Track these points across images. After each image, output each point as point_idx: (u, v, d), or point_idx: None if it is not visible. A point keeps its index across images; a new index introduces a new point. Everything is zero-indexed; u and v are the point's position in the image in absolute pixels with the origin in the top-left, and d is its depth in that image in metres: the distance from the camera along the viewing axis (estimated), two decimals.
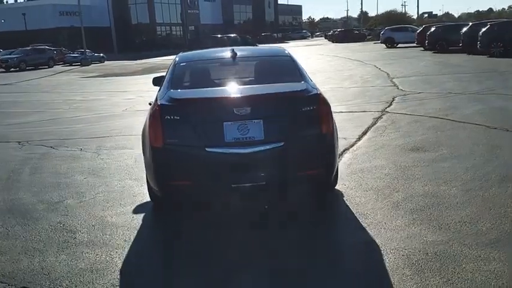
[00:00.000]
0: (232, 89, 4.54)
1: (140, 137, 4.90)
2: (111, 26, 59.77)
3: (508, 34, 21.13)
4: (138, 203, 5.16)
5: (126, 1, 64.59)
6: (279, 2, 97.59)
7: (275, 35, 77.47)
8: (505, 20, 29.80)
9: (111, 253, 3.98)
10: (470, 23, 26.92)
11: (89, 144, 8.34)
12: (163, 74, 7.05)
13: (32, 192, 5.77)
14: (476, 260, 3.44)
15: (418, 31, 33.15)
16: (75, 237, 4.35)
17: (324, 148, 4.30)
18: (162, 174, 4.28)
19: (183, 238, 4.28)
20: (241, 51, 5.19)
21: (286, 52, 5.49)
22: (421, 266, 3.41)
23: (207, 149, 4.09)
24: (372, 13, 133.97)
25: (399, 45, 36.97)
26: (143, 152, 4.82)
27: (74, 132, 9.67)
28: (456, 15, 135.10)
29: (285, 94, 4.39)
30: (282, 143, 4.11)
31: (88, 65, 37.98)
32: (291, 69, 4.96)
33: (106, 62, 40.89)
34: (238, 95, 4.32)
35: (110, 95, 16.97)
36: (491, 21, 24.97)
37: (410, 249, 3.68)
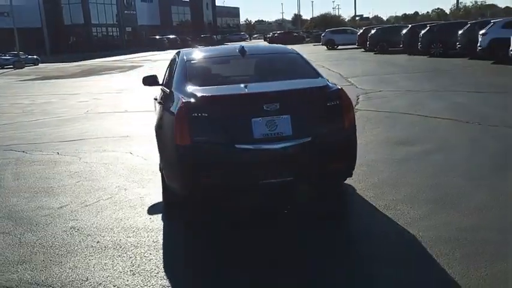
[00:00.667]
0: (256, 85, 4.51)
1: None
2: (43, 27, 57.08)
3: (447, 35, 22.40)
4: (149, 205, 5.03)
5: (59, 1, 62.04)
6: (217, 4, 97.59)
7: (214, 36, 77.29)
8: (444, 22, 31.62)
9: (146, 255, 3.86)
10: (410, 25, 28.27)
11: (64, 147, 7.99)
12: (153, 73, 6.94)
13: (25, 198, 5.47)
14: (510, 243, 3.68)
15: (359, 33, 34.39)
16: (98, 241, 4.18)
17: (347, 141, 4.41)
18: (189, 173, 4.19)
19: (215, 237, 4.22)
20: (248, 48, 5.19)
21: (290, 49, 5.56)
22: (463, 251, 3.59)
23: (236, 145, 4.07)
24: (306, 16, 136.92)
25: (339, 46, 38.15)
26: (161, 151, 4.68)
27: (41, 136, 9.22)
28: (385, 18, 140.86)
29: (311, 89, 4.45)
30: (310, 138, 4.17)
31: (22, 68, 36.18)
32: (303, 66, 5.03)
33: (40, 65, 39.11)
34: (265, 91, 4.33)
35: (59, 97, 16.29)
36: (431, 23, 26.37)
37: (445, 236, 3.86)
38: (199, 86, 4.47)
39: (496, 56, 17.69)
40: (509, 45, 16.10)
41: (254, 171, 4.18)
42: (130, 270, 3.62)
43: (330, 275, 3.46)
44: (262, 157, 4.13)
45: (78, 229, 4.49)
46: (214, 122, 4.10)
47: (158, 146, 4.78)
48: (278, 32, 65.22)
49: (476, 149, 6.41)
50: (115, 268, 3.67)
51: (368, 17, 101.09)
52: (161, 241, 4.13)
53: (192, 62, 5.04)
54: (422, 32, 24.09)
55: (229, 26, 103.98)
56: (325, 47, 39.24)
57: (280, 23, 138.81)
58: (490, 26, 18.26)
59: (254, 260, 3.75)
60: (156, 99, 7.29)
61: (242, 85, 4.42)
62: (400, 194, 4.88)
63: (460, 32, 20.90)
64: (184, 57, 5.22)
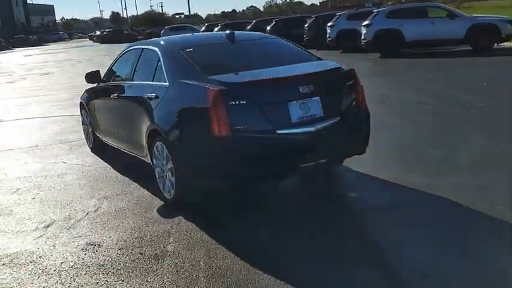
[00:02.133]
0: (281, 69, 4.38)
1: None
2: None
3: (292, 29, 24.09)
4: (155, 209, 4.58)
5: None
6: (28, 1, 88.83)
7: (30, 37, 70.39)
8: (289, 17, 34.00)
9: (213, 255, 3.54)
10: (254, 21, 29.74)
11: None
12: (96, 69, 6.32)
13: None
14: None
15: (201, 30, 34.93)
16: (139, 253, 3.68)
17: (365, 119, 4.63)
18: (232, 166, 3.96)
19: (253, 233, 4.05)
20: (236, 34, 5.02)
21: (270, 34, 5.58)
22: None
23: (277, 131, 3.98)
24: (128, 13, 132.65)
25: None
26: (183, 150, 4.22)
27: None
28: (204, 16, 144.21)
29: (334, 70, 4.53)
30: (338, 118, 4.27)
31: None
32: (298, 50, 5.09)
33: None
34: (301, 74, 4.27)
35: None
36: (276, 18, 28.08)
37: (459, 195, 4.29)
38: (219, 74, 4.21)
39: (343, 46, 19.67)
40: (355, 35, 18.10)
41: (295, 156, 4.14)
42: (216, 273, 3.31)
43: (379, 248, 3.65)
44: (302, 141, 4.10)
45: (99, 244, 3.90)
46: (252, 109, 3.95)
47: (172, 145, 4.29)
48: (107, 30, 62.09)
49: (415, 122, 7.15)
50: (195, 276, 3.31)
51: (189, 15, 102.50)
52: (213, 240, 3.81)
53: (188, 51, 4.67)
54: (268, 27, 25.53)
55: (44, 25, 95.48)
56: None
57: (98, 21, 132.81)
58: (336, 18, 20.20)
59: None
60: (87, 99, 6.58)
61: (265, 69, 4.31)
62: (395, 167, 5.22)
63: (306, 25, 22.66)
64: (171, 47, 4.87)
